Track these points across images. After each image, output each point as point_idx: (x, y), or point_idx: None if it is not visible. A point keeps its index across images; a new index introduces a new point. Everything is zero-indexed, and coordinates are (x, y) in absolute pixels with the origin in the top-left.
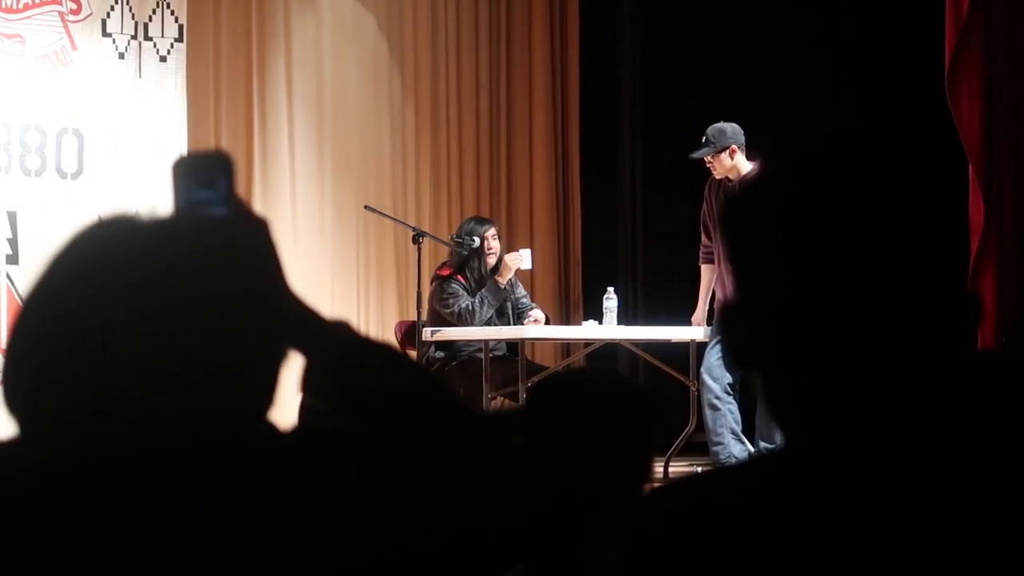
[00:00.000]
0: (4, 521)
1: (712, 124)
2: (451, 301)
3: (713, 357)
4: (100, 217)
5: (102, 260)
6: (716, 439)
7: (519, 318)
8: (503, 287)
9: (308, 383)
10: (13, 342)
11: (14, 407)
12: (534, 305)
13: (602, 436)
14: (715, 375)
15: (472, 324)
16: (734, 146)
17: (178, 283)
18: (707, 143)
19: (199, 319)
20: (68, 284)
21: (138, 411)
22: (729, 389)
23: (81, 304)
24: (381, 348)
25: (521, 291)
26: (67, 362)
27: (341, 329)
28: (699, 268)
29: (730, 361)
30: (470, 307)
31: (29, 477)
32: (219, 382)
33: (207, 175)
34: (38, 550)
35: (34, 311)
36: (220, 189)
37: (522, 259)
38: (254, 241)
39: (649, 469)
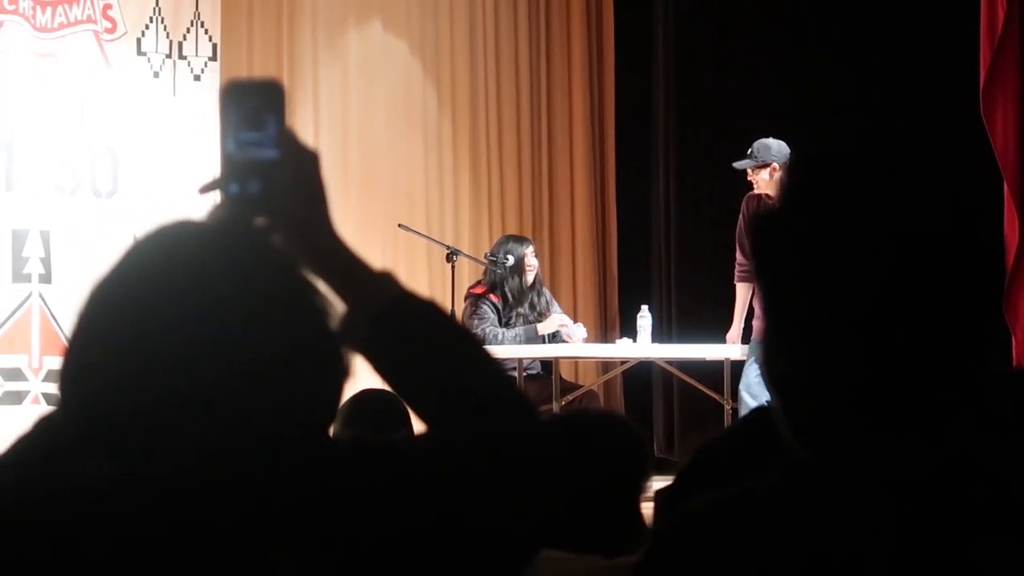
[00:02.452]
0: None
1: (757, 140)
2: (476, 322)
3: (752, 374)
4: (160, 225)
5: (161, 269)
6: None
7: (555, 335)
8: (540, 335)
9: (348, 332)
10: (73, 345)
11: (73, 407)
12: (574, 324)
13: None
14: (754, 392)
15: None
16: (775, 164)
17: (234, 292)
18: (750, 155)
19: (256, 330)
20: (127, 288)
21: (193, 421)
22: (767, 406)
23: (138, 311)
24: (425, 303)
25: (557, 308)
26: (125, 366)
27: (386, 279)
28: (734, 286)
29: (765, 380)
30: (495, 335)
31: (83, 480)
32: (279, 398)
33: (256, 111)
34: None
35: (94, 315)
36: (269, 127)
37: (573, 336)
38: (301, 177)
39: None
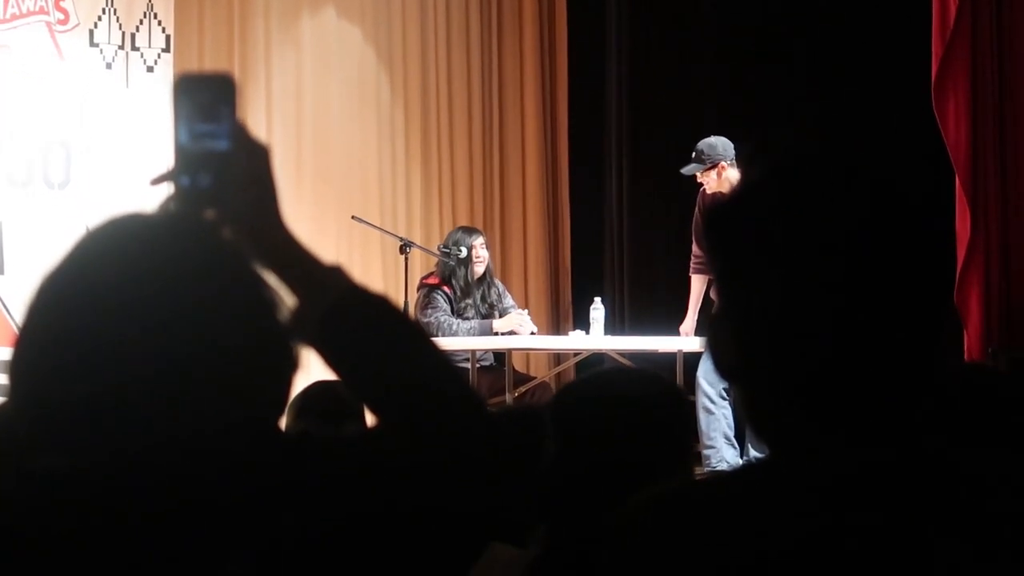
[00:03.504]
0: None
1: (702, 139)
2: (429, 311)
3: (708, 361)
4: (112, 217)
5: (112, 261)
6: (709, 443)
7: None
8: (495, 332)
9: (298, 326)
10: (23, 337)
11: (23, 401)
12: (521, 310)
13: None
14: (710, 379)
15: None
16: (723, 162)
17: (184, 285)
18: (697, 158)
19: (206, 323)
20: (77, 280)
21: (141, 414)
22: (724, 394)
23: (88, 303)
24: (375, 296)
25: (509, 300)
26: (73, 359)
27: (336, 273)
28: (688, 278)
29: (715, 368)
30: (452, 326)
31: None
32: (229, 391)
33: (208, 103)
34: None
35: (44, 307)
36: (221, 120)
37: (522, 326)
38: (252, 170)
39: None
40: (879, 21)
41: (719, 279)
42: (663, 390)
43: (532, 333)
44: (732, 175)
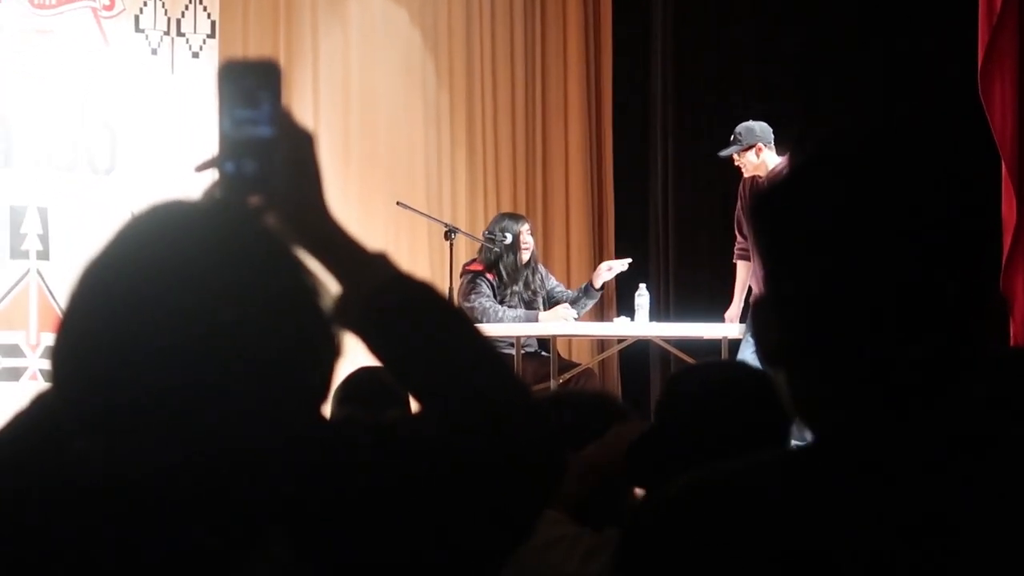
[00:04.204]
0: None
1: (742, 122)
2: (473, 296)
3: (748, 351)
4: (156, 204)
5: (156, 247)
6: None
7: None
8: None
9: (342, 312)
10: (66, 322)
11: (66, 387)
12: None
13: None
14: None
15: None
16: (760, 144)
17: (229, 272)
18: (734, 141)
19: (250, 310)
20: (121, 267)
21: (185, 400)
22: None
23: (131, 289)
24: (421, 285)
25: (554, 282)
26: (117, 345)
27: (380, 260)
28: (734, 265)
29: (760, 355)
30: (494, 311)
31: (75, 463)
32: (272, 377)
33: (252, 90)
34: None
35: (88, 293)
36: (264, 106)
37: (568, 318)
38: (297, 157)
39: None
40: (926, 9)
41: (765, 262)
42: (760, 380)
43: (576, 319)
44: (769, 158)
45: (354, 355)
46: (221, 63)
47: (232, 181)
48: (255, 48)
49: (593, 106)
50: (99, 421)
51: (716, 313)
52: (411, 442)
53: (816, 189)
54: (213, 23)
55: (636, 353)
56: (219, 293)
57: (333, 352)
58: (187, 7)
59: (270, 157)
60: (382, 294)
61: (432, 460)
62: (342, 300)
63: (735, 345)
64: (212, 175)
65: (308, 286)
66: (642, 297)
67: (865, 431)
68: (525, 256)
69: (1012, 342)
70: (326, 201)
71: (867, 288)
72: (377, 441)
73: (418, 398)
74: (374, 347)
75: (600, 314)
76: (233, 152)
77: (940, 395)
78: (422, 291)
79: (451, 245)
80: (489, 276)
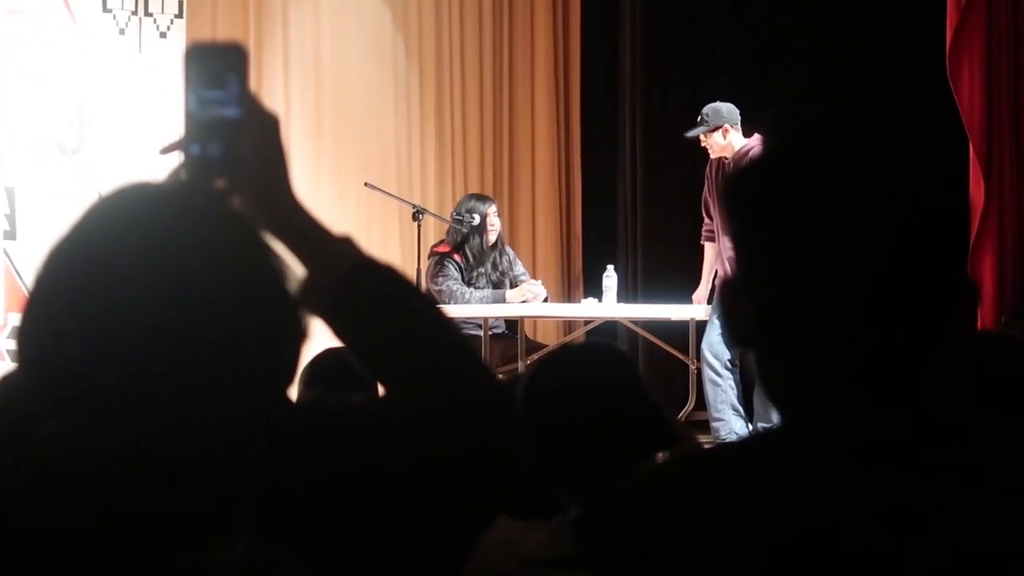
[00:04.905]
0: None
1: (708, 103)
2: (440, 279)
3: (714, 333)
4: (122, 184)
5: (121, 229)
6: (717, 415)
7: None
8: (506, 300)
9: (307, 297)
10: (31, 303)
11: (31, 368)
12: (535, 280)
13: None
14: (716, 351)
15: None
16: (727, 125)
17: (194, 254)
18: (701, 122)
19: (215, 292)
20: (86, 248)
21: (150, 383)
22: (729, 365)
23: (97, 270)
24: (386, 269)
25: (520, 268)
26: (82, 326)
27: (346, 244)
28: (701, 247)
29: (727, 336)
30: (460, 292)
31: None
32: (238, 359)
33: (218, 72)
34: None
35: (53, 274)
36: (231, 88)
37: (537, 296)
38: (262, 139)
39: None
40: None
41: (736, 243)
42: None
43: (545, 300)
44: (736, 139)
45: (320, 338)
46: (188, 45)
47: (198, 163)
48: (224, 28)
49: (561, 87)
50: (66, 403)
51: (684, 294)
52: (376, 425)
53: (788, 173)
54: (181, 3)
55: (604, 334)
56: (185, 275)
57: (299, 335)
58: None
59: (236, 140)
60: (347, 278)
61: (397, 443)
62: (307, 284)
63: (702, 326)
64: (178, 157)
65: (274, 269)
66: (610, 278)
67: (832, 413)
68: (492, 237)
69: (979, 325)
70: (292, 184)
71: (837, 271)
72: (343, 424)
73: (383, 382)
74: (339, 331)
75: (568, 295)
76: (199, 134)
77: (910, 378)
78: (387, 275)
79: (419, 226)
80: (456, 257)
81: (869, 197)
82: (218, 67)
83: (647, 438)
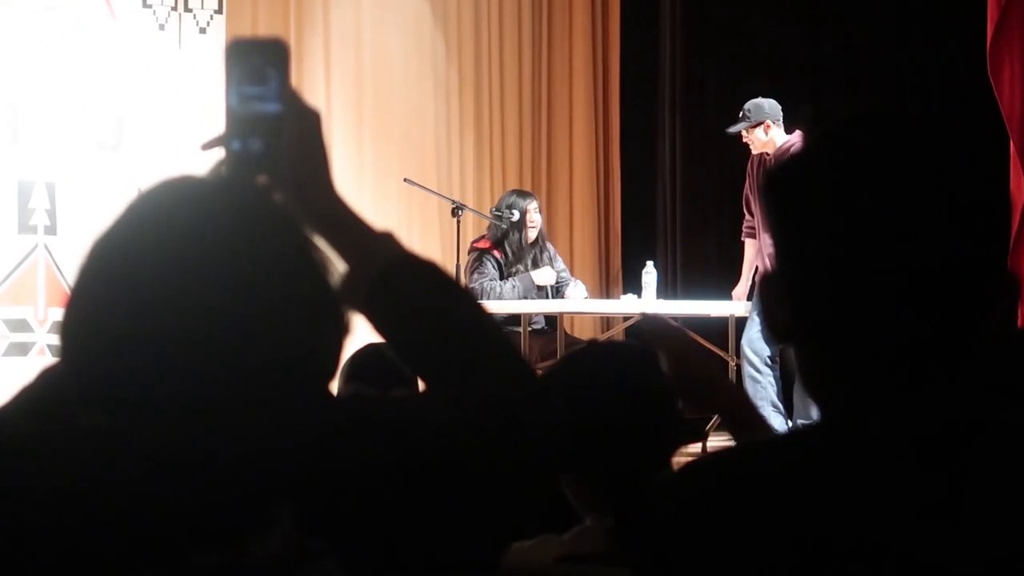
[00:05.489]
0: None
1: (750, 98)
2: (476, 276)
3: (754, 329)
4: (164, 179)
5: (163, 224)
6: None
7: (558, 291)
8: (537, 285)
9: (348, 291)
10: (74, 298)
11: (73, 361)
12: (573, 280)
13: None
14: (755, 347)
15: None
16: (768, 121)
17: (235, 249)
18: (743, 117)
19: (257, 287)
20: (129, 243)
21: (193, 377)
22: (769, 361)
23: (139, 266)
24: (427, 264)
25: (561, 264)
26: (124, 321)
27: (387, 240)
28: (741, 243)
29: (767, 332)
30: (495, 289)
31: (80, 438)
32: (279, 354)
33: (259, 67)
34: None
35: (96, 269)
36: (272, 83)
37: (576, 295)
38: (303, 135)
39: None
40: None
41: (775, 238)
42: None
43: (585, 297)
44: (777, 136)
45: (361, 333)
46: (229, 40)
47: (239, 159)
48: (264, 24)
49: (600, 82)
50: (106, 397)
51: (723, 291)
52: (416, 420)
53: (829, 167)
54: None
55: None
56: (226, 271)
57: (340, 330)
58: None
59: (277, 135)
60: (388, 273)
61: (437, 438)
62: (348, 279)
63: (742, 323)
64: (219, 153)
65: (315, 264)
66: (649, 275)
67: (873, 409)
68: (532, 234)
69: (1021, 322)
70: (333, 180)
71: (877, 266)
72: (383, 418)
73: (423, 377)
74: (380, 327)
75: (607, 291)
76: (240, 130)
77: (950, 374)
78: (428, 271)
79: (458, 222)
80: (496, 253)
81: (908, 192)
82: (259, 63)
83: (668, 439)
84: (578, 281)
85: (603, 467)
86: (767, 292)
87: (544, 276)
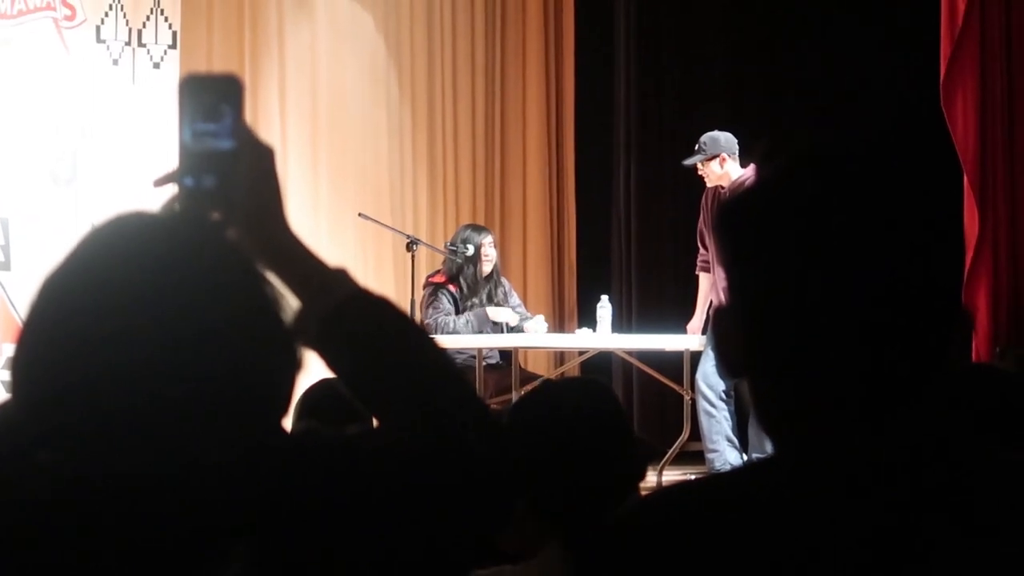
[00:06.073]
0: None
1: (706, 132)
2: (430, 311)
3: (708, 364)
4: (117, 214)
5: (115, 259)
6: (711, 446)
7: (515, 327)
8: (492, 322)
9: (301, 328)
10: (25, 333)
11: (25, 398)
12: (529, 316)
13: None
14: (710, 382)
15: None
16: (724, 154)
17: (189, 285)
18: (699, 150)
19: (210, 323)
20: (81, 279)
21: (146, 412)
22: (724, 396)
23: (90, 301)
24: (380, 301)
25: (516, 299)
26: (77, 356)
27: (340, 276)
28: (696, 277)
29: (721, 366)
30: (449, 324)
31: (31, 474)
32: (232, 390)
33: (213, 103)
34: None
35: (47, 304)
36: (225, 119)
37: (537, 330)
38: (257, 171)
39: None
40: (889, 20)
41: (729, 269)
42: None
43: (543, 330)
44: (733, 169)
45: (315, 369)
46: (183, 77)
47: (192, 195)
48: (219, 59)
49: (554, 117)
50: (59, 432)
51: (678, 325)
52: (369, 456)
53: (780, 202)
54: (175, 33)
55: (598, 365)
56: (179, 306)
57: (293, 366)
58: (148, 17)
59: (230, 172)
60: (340, 309)
61: (389, 475)
62: (301, 315)
63: (697, 357)
64: (172, 189)
65: (268, 300)
66: (604, 309)
67: (824, 442)
68: (487, 268)
69: (974, 355)
70: (286, 216)
71: (830, 300)
72: (336, 454)
73: (376, 414)
74: (333, 363)
75: (562, 325)
76: (193, 166)
77: (904, 408)
78: (381, 307)
79: (413, 257)
80: (451, 288)
81: (861, 225)
82: (212, 99)
83: (627, 471)
84: (539, 316)
85: (563, 499)
86: (720, 326)
87: (502, 314)
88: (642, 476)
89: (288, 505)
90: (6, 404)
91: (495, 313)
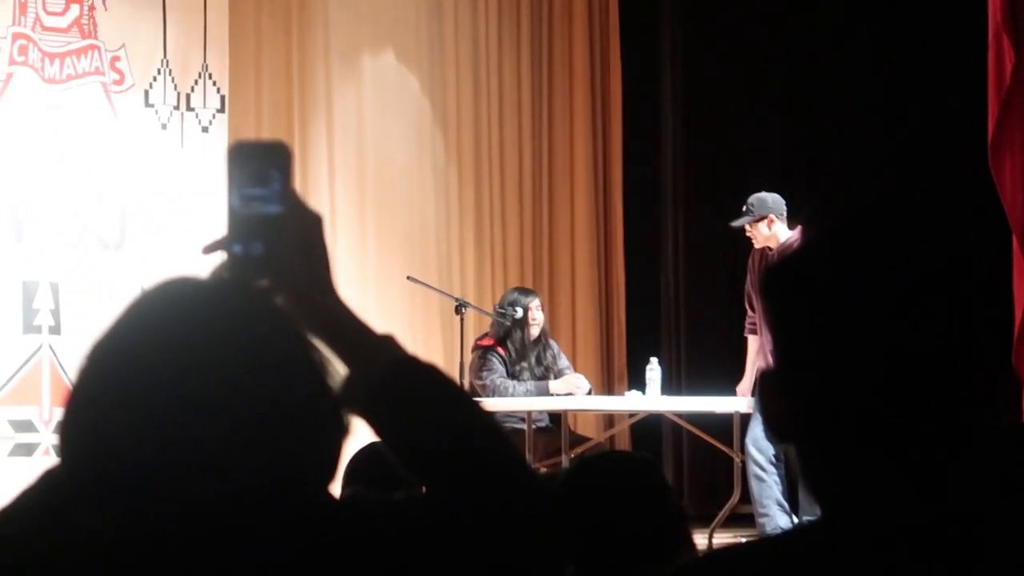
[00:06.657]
0: None
1: (754, 193)
2: (485, 373)
3: (758, 427)
4: (165, 280)
5: (163, 325)
6: (762, 510)
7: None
8: (552, 395)
9: (348, 395)
10: (74, 397)
11: (72, 462)
12: (578, 374)
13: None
14: (760, 445)
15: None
16: (772, 216)
17: (236, 352)
18: (746, 211)
19: (258, 390)
20: (129, 345)
21: (193, 478)
22: (774, 460)
23: (139, 366)
24: (427, 368)
25: (565, 362)
26: (124, 422)
27: (387, 343)
28: (745, 339)
29: (767, 429)
30: (504, 387)
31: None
32: (280, 456)
33: (261, 170)
34: None
35: (96, 369)
36: (274, 185)
37: (580, 388)
38: (305, 238)
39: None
40: (936, 81)
41: (774, 335)
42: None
43: (589, 392)
44: (780, 230)
45: (361, 435)
46: (231, 144)
47: (240, 262)
48: (267, 124)
49: (601, 180)
50: (102, 495)
51: (728, 387)
52: (415, 524)
53: (827, 264)
54: (223, 97)
55: (647, 427)
56: (226, 373)
57: (340, 433)
58: (197, 81)
59: (278, 238)
60: (387, 376)
61: (436, 543)
62: (349, 383)
63: (746, 419)
64: (221, 255)
65: (316, 367)
66: (653, 371)
67: (870, 505)
68: (535, 331)
69: None
70: (334, 282)
71: (876, 363)
72: (383, 522)
73: (423, 481)
74: (380, 430)
75: (611, 388)
76: (242, 233)
77: (949, 471)
78: (428, 373)
79: (461, 319)
80: (500, 351)
81: (907, 290)
82: (261, 165)
83: (671, 544)
84: (579, 375)
85: (608, 571)
86: (766, 389)
87: (560, 386)
88: (688, 551)
89: (334, 571)
90: (55, 468)
91: (557, 387)
